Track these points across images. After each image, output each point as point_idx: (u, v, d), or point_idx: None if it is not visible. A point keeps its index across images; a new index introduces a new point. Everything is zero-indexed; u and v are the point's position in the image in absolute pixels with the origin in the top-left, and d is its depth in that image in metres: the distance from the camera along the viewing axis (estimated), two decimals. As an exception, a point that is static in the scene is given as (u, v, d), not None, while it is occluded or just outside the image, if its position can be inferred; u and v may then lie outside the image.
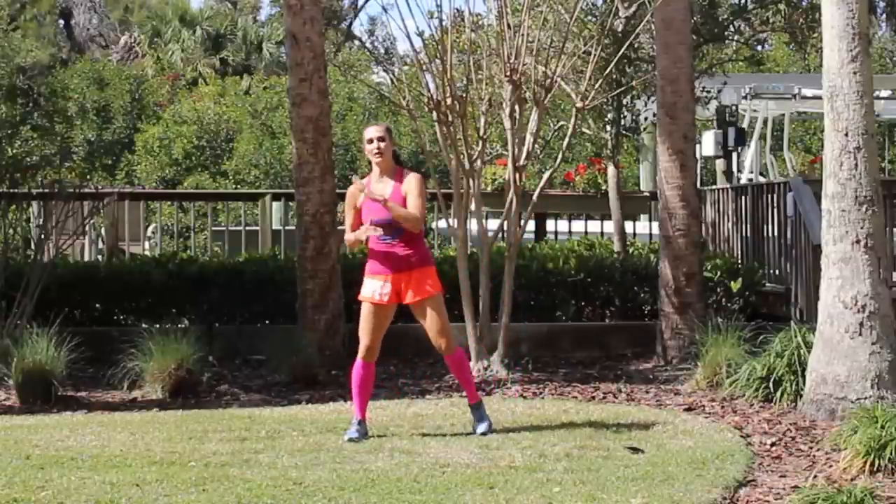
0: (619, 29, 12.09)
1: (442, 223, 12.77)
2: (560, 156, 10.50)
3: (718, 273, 11.38)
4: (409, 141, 22.46)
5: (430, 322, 7.26)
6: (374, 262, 7.28)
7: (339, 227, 11.50)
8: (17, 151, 11.08)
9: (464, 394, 8.94)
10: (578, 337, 11.11)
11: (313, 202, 10.28)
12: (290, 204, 13.04)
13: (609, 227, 13.44)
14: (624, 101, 12.85)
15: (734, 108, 16.87)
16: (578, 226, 15.20)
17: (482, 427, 7.32)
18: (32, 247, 11.01)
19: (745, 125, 17.28)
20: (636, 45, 12.34)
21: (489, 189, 13.89)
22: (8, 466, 6.47)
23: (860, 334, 7.73)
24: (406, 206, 7.17)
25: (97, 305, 11.19)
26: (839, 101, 7.84)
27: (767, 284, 11.55)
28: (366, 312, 7.27)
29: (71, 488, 5.97)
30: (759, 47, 24.19)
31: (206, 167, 24.30)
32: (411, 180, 7.25)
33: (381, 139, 7.28)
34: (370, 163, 7.48)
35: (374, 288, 7.23)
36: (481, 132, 10.04)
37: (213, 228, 15.47)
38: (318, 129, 10.29)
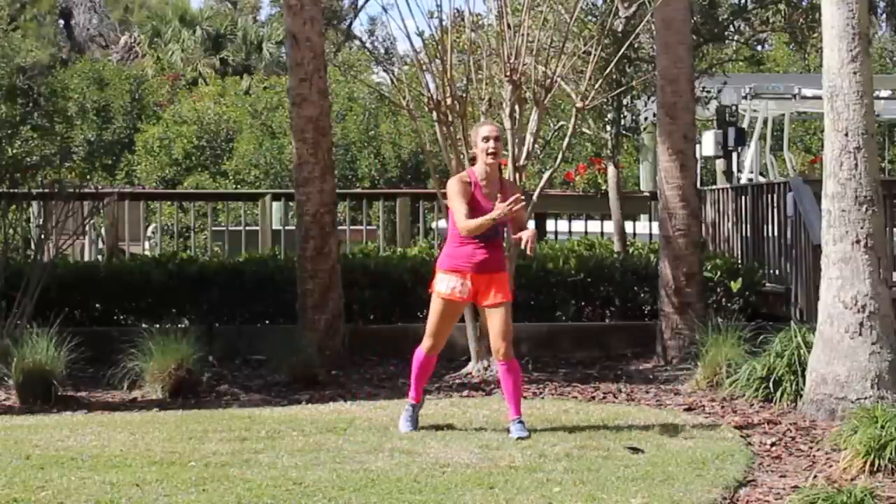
0: (619, 29, 12.09)
1: (442, 223, 12.77)
2: (560, 156, 10.50)
3: (718, 273, 11.38)
4: (409, 141, 22.47)
5: (498, 325, 7.28)
6: (455, 259, 7.23)
7: (340, 227, 11.54)
8: (17, 151, 11.08)
9: (464, 393, 8.98)
10: (578, 337, 11.11)
11: (313, 202, 10.28)
12: (290, 204, 13.04)
13: (609, 227, 13.44)
14: (624, 101, 12.85)
15: (734, 108, 16.88)
16: (578, 226, 15.20)
17: (524, 433, 7.16)
18: (32, 247, 11.01)
19: (745, 125, 17.29)
20: (636, 45, 12.34)
21: (489, 189, 13.86)
22: (8, 466, 6.47)
23: (860, 334, 7.73)
24: (517, 217, 7.19)
25: (97, 305, 11.19)
26: (839, 101, 7.84)
27: (767, 284, 11.55)
28: (439, 308, 7.27)
29: (71, 488, 5.97)
30: (759, 47, 24.21)
31: (206, 167, 24.29)
32: (519, 194, 7.18)
33: (497, 139, 7.25)
34: (471, 161, 7.47)
35: (454, 285, 7.22)
36: (481, 132, 10.02)
37: (213, 228, 15.47)
38: (318, 129, 10.29)
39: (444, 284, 7.25)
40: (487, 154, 7.23)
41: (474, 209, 7.18)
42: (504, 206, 7.00)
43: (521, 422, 7.24)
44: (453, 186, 7.27)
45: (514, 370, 7.35)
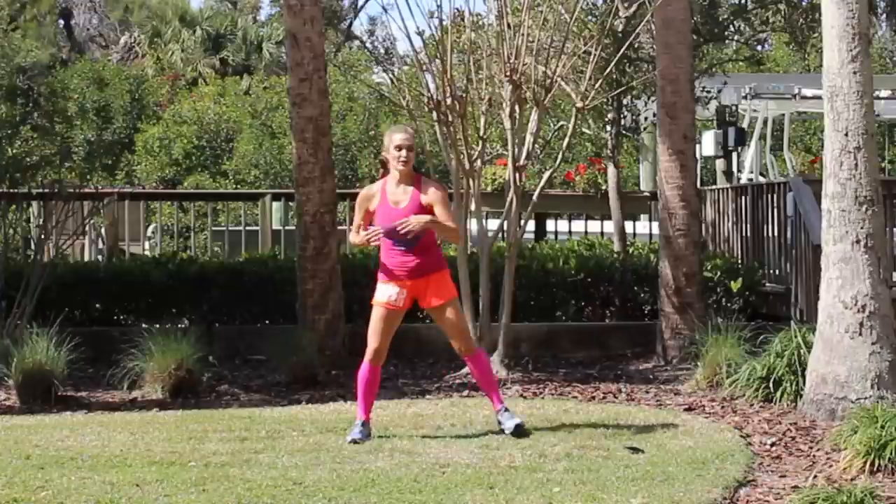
0: (619, 29, 12.09)
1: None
2: (560, 156, 10.50)
3: (718, 273, 11.38)
4: (409, 141, 22.41)
5: (449, 325, 7.25)
6: (388, 268, 7.21)
7: (340, 227, 11.53)
8: (17, 151, 11.09)
9: (464, 393, 8.98)
10: (578, 337, 11.10)
11: (313, 202, 10.28)
12: (290, 204, 13.04)
13: (609, 227, 13.44)
14: (624, 101, 12.85)
15: (734, 108, 16.90)
16: (578, 226, 15.21)
17: (515, 420, 7.18)
18: (32, 247, 11.02)
19: (745, 125, 17.30)
20: (636, 45, 12.35)
21: (489, 189, 13.90)
22: (8, 466, 6.47)
23: (860, 334, 7.72)
24: (438, 217, 7.09)
25: (97, 305, 11.20)
26: (839, 101, 7.83)
27: (767, 284, 11.55)
28: (377, 316, 7.23)
29: (71, 488, 5.97)
30: (759, 47, 24.22)
31: (206, 167, 24.27)
32: (435, 193, 7.14)
33: (409, 148, 7.16)
34: (382, 165, 7.37)
35: (390, 293, 7.18)
36: (481, 132, 10.04)
37: (213, 228, 15.47)
38: (318, 129, 10.29)
39: (382, 293, 7.21)
40: (399, 162, 7.15)
41: (379, 216, 7.16)
42: (372, 231, 7.08)
43: (507, 409, 7.28)
44: (359, 200, 7.32)
45: (479, 361, 7.36)
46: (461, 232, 7.14)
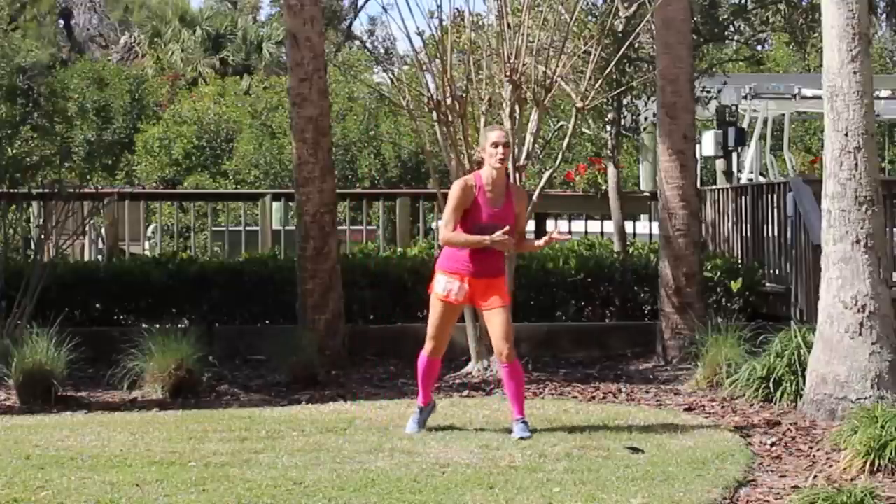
0: (619, 29, 12.09)
1: (442, 223, 12.76)
2: (560, 156, 10.50)
3: (718, 273, 11.38)
4: (409, 141, 22.46)
5: (499, 328, 7.26)
6: (454, 262, 7.24)
7: (340, 227, 11.53)
8: (17, 151, 11.08)
9: (464, 393, 8.98)
10: (578, 337, 11.11)
11: (313, 202, 10.27)
12: (290, 204, 13.05)
13: (609, 227, 13.44)
14: (624, 101, 12.85)
15: (734, 108, 16.90)
16: (578, 226, 15.21)
17: (527, 433, 7.16)
18: (32, 247, 11.01)
19: (745, 125, 17.30)
20: (636, 45, 12.34)
21: (489, 189, 13.86)
22: (8, 466, 6.47)
23: (860, 334, 7.72)
24: (516, 223, 7.28)
25: (97, 305, 11.19)
26: (839, 101, 7.84)
27: (767, 284, 11.55)
28: (438, 310, 7.27)
29: (71, 488, 5.97)
30: (759, 47, 24.22)
31: (206, 167, 24.27)
32: (524, 202, 7.49)
33: (506, 145, 7.22)
34: (479, 165, 7.49)
35: (451, 287, 7.21)
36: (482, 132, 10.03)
37: (213, 228, 15.47)
38: (318, 129, 10.29)
39: (441, 286, 7.26)
40: (496, 159, 7.21)
41: (474, 213, 7.20)
42: (496, 236, 7.08)
43: (524, 422, 7.24)
44: (454, 191, 7.28)
45: (516, 372, 7.34)
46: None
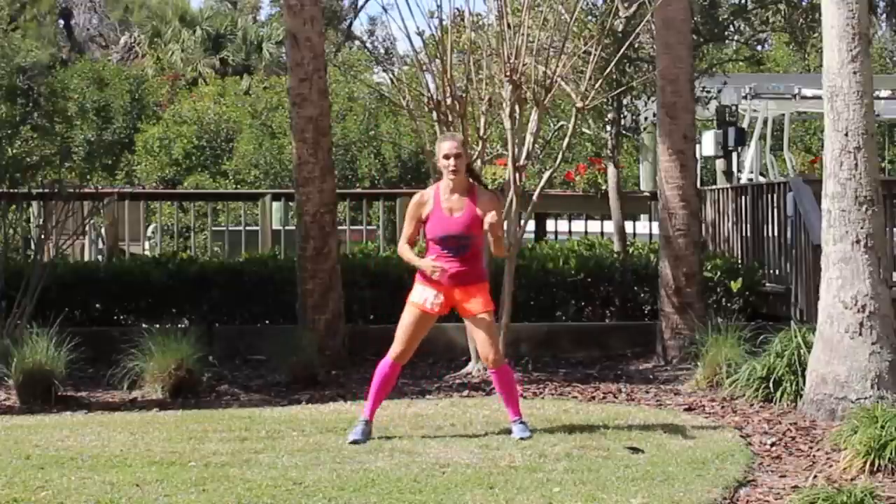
0: (619, 29, 12.09)
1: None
2: (560, 156, 10.50)
3: (718, 273, 11.38)
4: (409, 141, 22.46)
5: (482, 335, 7.22)
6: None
7: (340, 227, 11.53)
8: (17, 151, 11.08)
9: (464, 393, 8.98)
10: (578, 337, 11.10)
11: (313, 202, 10.28)
12: (290, 204, 13.05)
13: (609, 227, 13.44)
14: (624, 101, 12.85)
15: (734, 108, 16.91)
16: (578, 226, 15.22)
17: (527, 433, 7.14)
18: (32, 247, 11.01)
19: (745, 125, 17.31)
20: (636, 45, 12.35)
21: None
22: (8, 466, 6.47)
23: (860, 334, 7.73)
24: (494, 227, 7.08)
25: (97, 305, 11.20)
26: (839, 101, 7.84)
27: (767, 284, 11.55)
28: (411, 317, 7.21)
29: (71, 488, 5.97)
30: (759, 47, 24.22)
31: (206, 167, 24.26)
32: (490, 203, 7.16)
33: (457, 156, 7.15)
34: (437, 172, 7.39)
35: (427, 296, 7.16)
36: (481, 132, 10.03)
37: (213, 228, 15.48)
38: (318, 129, 10.29)
39: (418, 294, 7.21)
40: (450, 171, 7.16)
41: (433, 224, 7.16)
42: (431, 265, 7.05)
43: (522, 422, 7.23)
44: (408, 206, 7.32)
45: (505, 376, 7.31)
46: (505, 244, 7.15)
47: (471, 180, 7.31)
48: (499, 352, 7.30)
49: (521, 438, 7.08)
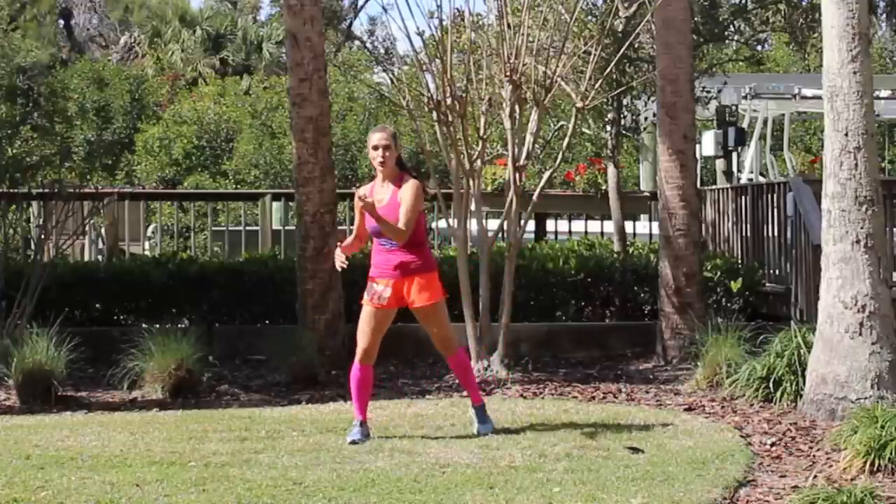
0: (619, 29, 12.09)
1: (442, 223, 12.78)
2: (560, 156, 10.50)
3: (718, 273, 11.38)
4: (409, 141, 22.47)
5: (432, 328, 7.28)
6: (376, 267, 7.28)
7: (340, 227, 11.52)
8: (17, 151, 11.08)
9: (465, 394, 8.97)
10: (578, 337, 11.10)
11: (313, 202, 10.28)
12: (290, 204, 13.05)
13: (609, 227, 13.44)
14: (624, 101, 12.85)
15: (734, 108, 16.90)
16: (578, 226, 15.21)
17: (484, 428, 7.32)
18: (32, 247, 11.01)
19: (745, 125, 17.30)
20: (636, 45, 12.34)
21: (489, 189, 13.90)
22: (8, 466, 6.47)
23: (860, 334, 7.72)
24: (399, 214, 7.07)
25: (97, 305, 11.20)
26: (839, 101, 7.83)
27: (767, 284, 11.55)
28: (365, 315, 7.26)
29: (71, 488, 5.98)
30: (759, 47, 24.22)
31: (206, 167, 24.26)
32: (407, 189, 7.13)
33: (386, 147, 7.17)
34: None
35: (376, 291, 7.21)
36: (481, 132, 10.04)
37: (213, 228, 15.48)
38: (318, 129, 10.29)
39: (368, 290, 7.25)
40: (378, 163, 7.20)
41: (367, 217, 7.16)
42: (337, 257, 7.15)
43: (481, 408, 7.36)
44: (355, 203, 7.31)
45: (459, 360, 7.43)
46: (406, 234, 7.08)
47: (401, 171, 7.27)
48: (451, 343, 7.34)
49: (478, 434, 7.18)
